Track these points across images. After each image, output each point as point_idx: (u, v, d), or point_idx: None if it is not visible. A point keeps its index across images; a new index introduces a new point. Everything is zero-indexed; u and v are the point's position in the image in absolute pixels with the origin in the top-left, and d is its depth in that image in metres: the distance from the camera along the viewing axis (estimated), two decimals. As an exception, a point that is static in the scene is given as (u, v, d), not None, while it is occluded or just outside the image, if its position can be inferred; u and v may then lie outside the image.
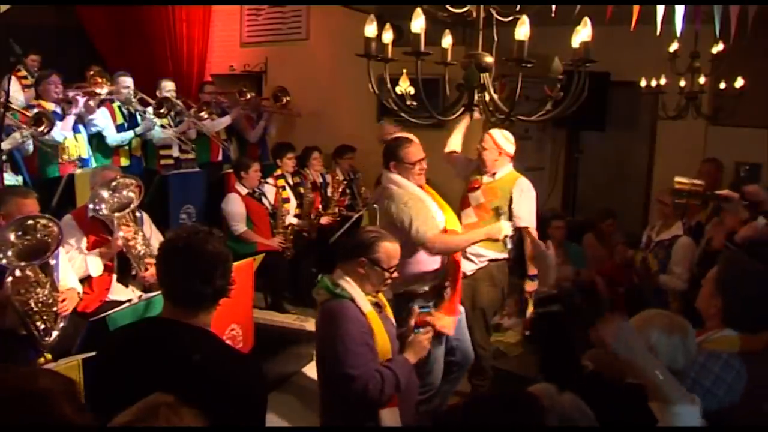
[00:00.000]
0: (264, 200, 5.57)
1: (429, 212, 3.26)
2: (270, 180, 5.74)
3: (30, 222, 2.96)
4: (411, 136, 3.49)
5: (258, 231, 5.37)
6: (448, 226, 3.31)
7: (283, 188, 5.76)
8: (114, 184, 3.61)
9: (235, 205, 5.31)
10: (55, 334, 3.08)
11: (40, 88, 5.11)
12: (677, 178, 3.47)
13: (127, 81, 5.71)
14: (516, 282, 5.56)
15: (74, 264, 3.55)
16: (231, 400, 1.69)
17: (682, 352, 1.89)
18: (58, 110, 5.06)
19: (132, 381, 1.68)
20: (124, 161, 5.65)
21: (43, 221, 2.98)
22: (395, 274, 2.61)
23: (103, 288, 3.65)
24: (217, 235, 1.93)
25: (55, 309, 3.11)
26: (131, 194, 3.63)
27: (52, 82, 5.05)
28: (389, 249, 2.56)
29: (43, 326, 3.03)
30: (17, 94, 5.62)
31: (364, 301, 2.51)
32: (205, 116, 6.06)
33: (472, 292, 3.84)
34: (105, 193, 3.59)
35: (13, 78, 5.69)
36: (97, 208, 3.56)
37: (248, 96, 6.56)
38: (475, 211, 3.85)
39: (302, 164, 6.09)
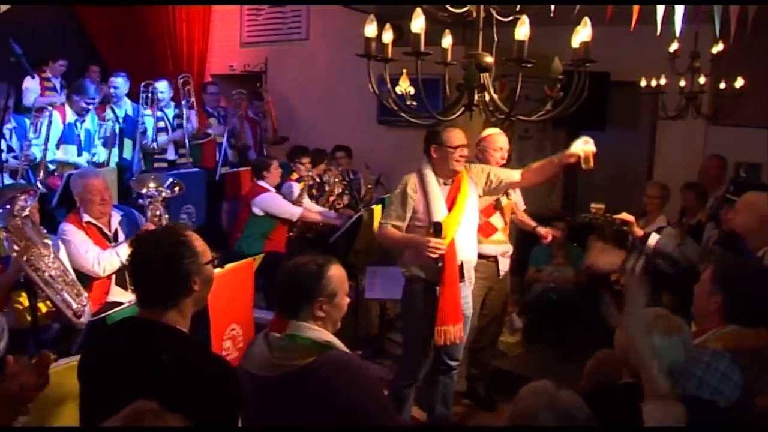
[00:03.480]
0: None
1: (408, 205, 3.28)
2: (292, 183, 5.75)
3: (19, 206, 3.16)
4: None
5: (279, 229, 5.34)
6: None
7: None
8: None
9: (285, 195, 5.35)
10: (86, 311, 3.09)
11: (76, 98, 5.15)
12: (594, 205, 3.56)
13: (116, 81, 5.71)
14: (517, 281, 5.58)
15: (104, 260, 3.56)
16: (199, 400, 1.68)
17: (683, 349, 1.90)
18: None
19: (108, 380, 1.73)
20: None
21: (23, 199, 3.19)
22: (347, 300, 2.18)
23: (102, 291, 3.65)
24: (171, 240, 1.87)
25: (72, 278, 3.13)
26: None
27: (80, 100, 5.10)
28: (337, 274, 2.11)
29: (73, 303, 3.03)
30: (31, 94, 5.63)
31: (343, 347, 2.09)
32: (200, 141, 6.15)
33: (505, 286, 3.99)
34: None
35: (37, 78, 5.70)
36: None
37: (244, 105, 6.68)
38: (501, 216, 3.85)
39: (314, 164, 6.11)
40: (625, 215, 3.37)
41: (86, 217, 3.66)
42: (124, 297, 3.69)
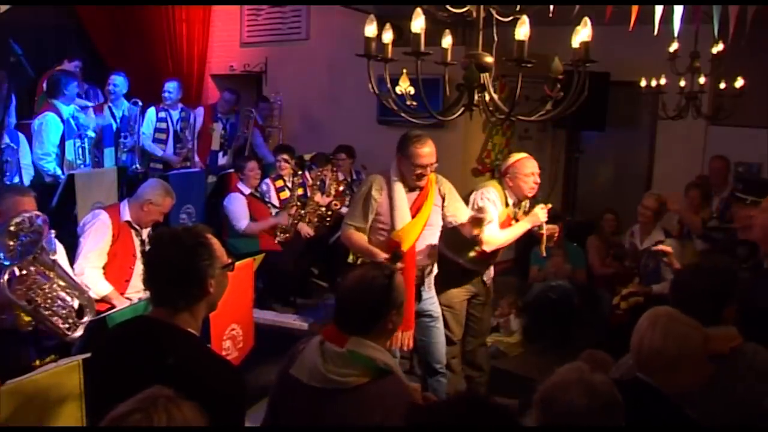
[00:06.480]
0: (267, 199, 5.59)
1: (371, 207, 3.26)
2: (267, 180, 5.75)
3: (17, 221, 2.85)
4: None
5: (262, 231, 5.38)
6: (400, 231, 3.24)
7: (282, 189, 5.77)
8: None
9: (238, 204, 5.30)
10: (80, 327, 3.05)
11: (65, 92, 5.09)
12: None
13: (116, 80, 5.69)
14: (517, 281, 5.57)
15: (89, 281, 3.49)
16: (205, 404, 1.69)
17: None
18: None
19: (117, 380, 1.72)
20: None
21: (27, 216, 2.89)
22: None
23: (122, 279, 3.68)
24: (191, 240, 1.88)
25: (71, 301, 3.08)
26: None
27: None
28: (401, 280, 2.11)
29: (64, 324, 2.99)
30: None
31: (399, 371, 2.05)
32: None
33: (490, 297, 3.95)
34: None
35: None
36: None
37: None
38: None
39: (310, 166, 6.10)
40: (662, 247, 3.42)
41: (127, 216, 3.68)
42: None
